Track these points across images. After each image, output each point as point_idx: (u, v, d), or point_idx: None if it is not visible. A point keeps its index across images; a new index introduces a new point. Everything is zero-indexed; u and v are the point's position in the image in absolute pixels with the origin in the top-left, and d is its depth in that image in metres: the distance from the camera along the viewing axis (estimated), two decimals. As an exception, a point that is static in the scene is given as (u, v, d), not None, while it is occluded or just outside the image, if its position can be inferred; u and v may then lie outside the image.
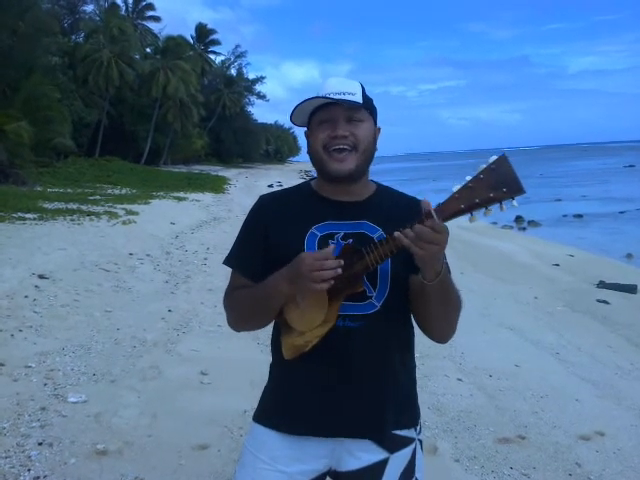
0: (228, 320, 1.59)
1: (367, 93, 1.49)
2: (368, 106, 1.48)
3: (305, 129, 1.53)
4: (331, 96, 1.41)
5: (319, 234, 1.46)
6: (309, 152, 1.51)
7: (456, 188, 1.25)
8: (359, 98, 1.44)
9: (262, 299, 1.45)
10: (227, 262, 1.59)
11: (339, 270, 1.31)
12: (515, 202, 1.23)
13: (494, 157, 1.23)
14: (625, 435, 3.71)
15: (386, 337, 1.47)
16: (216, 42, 54.73)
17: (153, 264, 8.72)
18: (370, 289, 1.44)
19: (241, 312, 1.55)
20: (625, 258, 12.33)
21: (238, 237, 1.59)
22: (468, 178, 1.24)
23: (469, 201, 1.24)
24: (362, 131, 1.45)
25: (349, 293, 1.39)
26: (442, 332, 1.48)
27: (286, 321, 1.45)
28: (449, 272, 1.39)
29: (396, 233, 1.27)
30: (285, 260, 1.41)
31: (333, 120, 1.43)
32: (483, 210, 1.26)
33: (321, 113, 1.45)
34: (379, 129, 1.53)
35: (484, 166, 1.24)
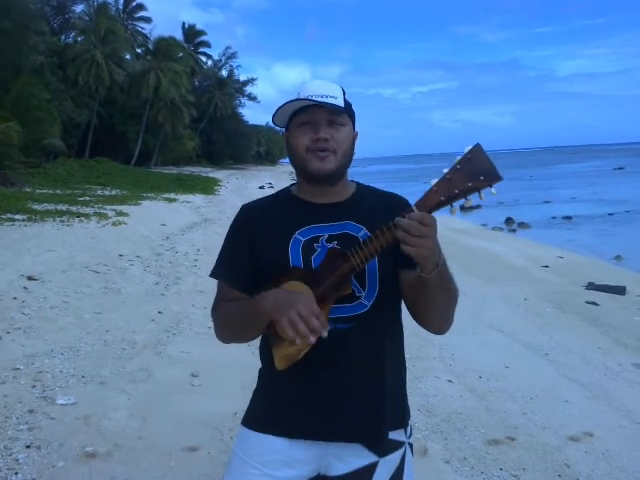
0: (215, 332, 1.57)
1: (349, 97, 1.49)
2: (348, 110, 1.48)
3: (283, 130, 1.53)
4: (314, 99, 1.40)
5: (303, 239, 1.45)
6: (289, 153, 1.50)
7: (434, 182, 1.25)
8: (341, 102, 1.44)
9: (249, 316, 1.42)
10: (214, 274, 1.57)
11: (312, 340, 1.26)
12: (494, 190, 1.23)
13: (469, 147, 1.23)
14: (614, 436, 3.74)
15: (378, 336, 1.47)
16: (205, 43, 54.64)
17: (143, 265, 8.68)
18: (359, 289, 1.43)
19: (228, 326, 1.53)
20: (614, 260, 12.40)
21: (223, 249, 1.58)
22: (445, 170, 1.25)
23: (448, 192, 1.24)
24: (342, 135, 1.45)
25: (338, 296, 1.38)
26: (442, 323, 1.46)
27: (276, 331, 1.42)
28: (445, 260, 1.35)
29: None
30: (271, 268, 1.41)
31: (315, 123, 1.43)
32: (463, 201, 1.25)
33: (303, 115, 1.44)
34: (357, 133, 1.53)
35: (460, 157, 1.24)
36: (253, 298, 1.42)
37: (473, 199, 1.25)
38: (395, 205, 1.46)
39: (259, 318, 1.39)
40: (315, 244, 1.44)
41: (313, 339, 1.26)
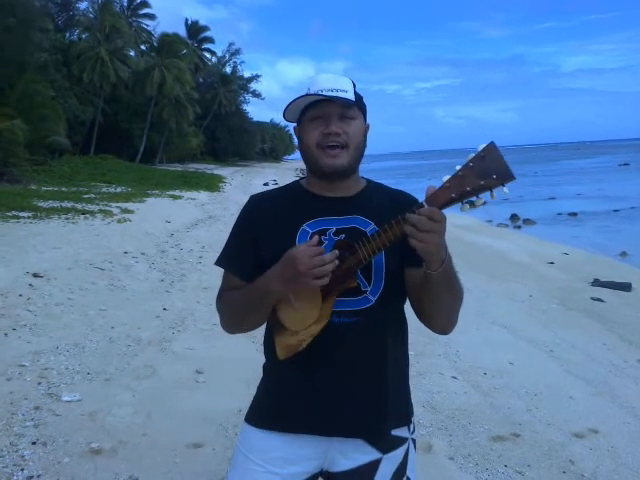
0: (221, 322, 1.58)
1: (357, 90, 1.49)
2: (359, 103, 1.48)
3: (295, 125, 1.53)
4: (325, 93, 1.41)
5: (310, 231, 1.46)
6: (300, 149, 1.51)
7: (446, 178, 1.25)
8: (351, 95, 1.44)
9: (254, 299, 1.43)
10: (219, 263, 1.58)
11: (336, 262, 1.30)
12: (506, 189, 1.23)
13: (482, 145, 1.23)
14: (618, 433, 3.73)
15: (382, 332, 1.47)
16: (209, 39, 54.63)
17: (148, 262, 8.70)
18: (365, 283, 1.43)
19: (233, 313, 1.53)
20: (619, 256, 12.35)
21: (229, 238, 1.59)
22: (458, 167, 1.25)
23: (460, 189, 1.24)
24: (354, 129, 1.45)
25: (343, 289, 1.38)
26: (446, 323, 1.46)
27: (279, 321, 1.43)
28: (450, 258, 1.36)
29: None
30: (278, 259, 1.41)
31: (326, 117, 1.43)
32: (474, 199, 1.25)
33: (314, 110, 1.44)
34: (368, 126, 1.53)
35: (473, 155, 1.23)
36: (254, 282, 1.43)
37: (484, 197, 1.25)
38: (404, 203, 1.46)
39: (265, 298, 1.41)
40: (323, 237, 1.44)
41: (330, 268, 1.30)
